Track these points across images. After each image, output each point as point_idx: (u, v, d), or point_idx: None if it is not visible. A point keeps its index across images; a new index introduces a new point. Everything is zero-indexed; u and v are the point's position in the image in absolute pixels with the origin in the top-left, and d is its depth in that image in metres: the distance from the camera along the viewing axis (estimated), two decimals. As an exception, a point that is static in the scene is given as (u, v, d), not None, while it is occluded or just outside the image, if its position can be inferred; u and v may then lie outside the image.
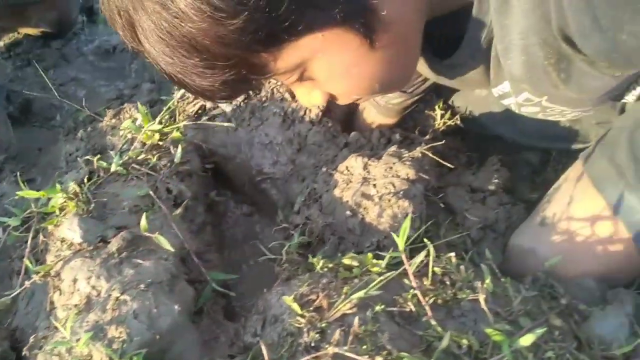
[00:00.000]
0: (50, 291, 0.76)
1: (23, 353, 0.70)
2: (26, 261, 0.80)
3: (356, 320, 0.63)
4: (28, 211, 0.86)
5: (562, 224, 0.84)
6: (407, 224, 0.64)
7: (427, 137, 1.08)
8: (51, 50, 1.56)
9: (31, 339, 0.71)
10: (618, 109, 0.96)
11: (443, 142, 0.96)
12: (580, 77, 0.65)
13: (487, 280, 0.68)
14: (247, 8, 0.54)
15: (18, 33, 1.60)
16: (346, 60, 0.66)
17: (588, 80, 0.65)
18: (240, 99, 1.16)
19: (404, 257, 0.65)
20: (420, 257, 0.66)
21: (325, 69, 0.67)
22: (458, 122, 1.15)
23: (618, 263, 0.80)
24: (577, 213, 0.83)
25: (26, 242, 0.86)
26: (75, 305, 0.72)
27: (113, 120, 1.17)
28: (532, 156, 1.19)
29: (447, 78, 0.89)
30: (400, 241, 0.64)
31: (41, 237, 0.83)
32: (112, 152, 0.98)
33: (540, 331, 0.61)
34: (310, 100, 0.78)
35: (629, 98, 0.85)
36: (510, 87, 0.78)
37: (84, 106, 1.39)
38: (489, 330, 0.63)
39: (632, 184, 0.79)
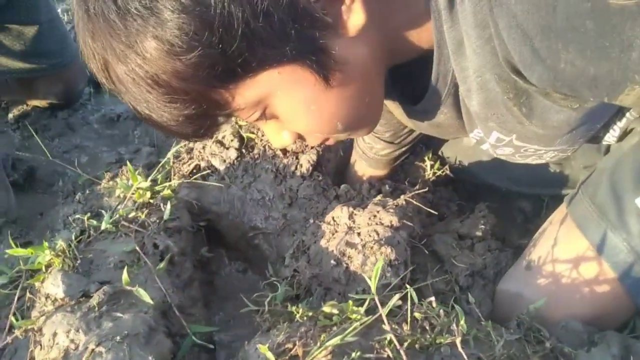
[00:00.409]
0: (32, 346, 0.76)
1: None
2: (11, 318, 0.81)
3: (328, 366, 0.61)
4: (16, 269, 0.88)
5: (547, 266, 0.83)
6: (379, 265, 0.64)
7: (417, 187, 1.09)
8: (57, 120, 1.63)
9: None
10: (603, 151, 0.97)
11: (427, 189, 0.97)
12: (542, 110, 0.65)
13: (462, 321, 0.66)
14: (200, 44, 0.58)
15: (27, 105, 1.67)
16: (304, 97, 0.68)
17: (550, 114, 0.66)
18: (233, 156, 1.18)
19: (377, 299, 0.64)
20: (394, 299, 0.66)
21: (284, 106, 0.69)
22: (448, 172, 1.16)
23: (605, 304, 0.78)
24: (562, 255, 0.83)
25: (13, 300, 0.88)
26: (53, 359, 0.72)
27: (110, 183, 1.20)
28: (525, 203, 1.19)
29: (424, 126, 0.91)
30: (373, 284, 0.64)
31: (28, 294, 0.84)
32: (103, 213, 1.00)
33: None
34: (278, 140, 0.79)
35: (610, 139, 0.86)
36: (481, 130, 0.80)
37: (83, 171, 1.45)
38: (467, 375, 0.61)
39: (614, 223, 0.78)
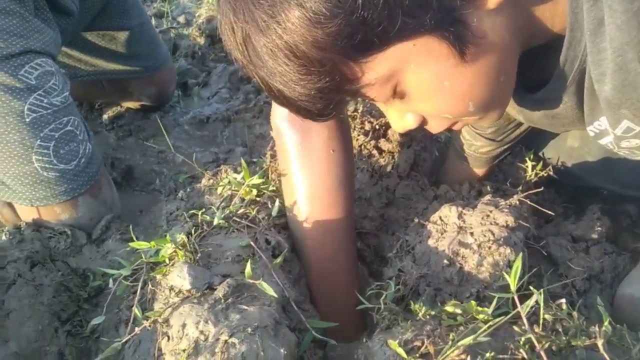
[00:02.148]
0: (158, 338, 0.79)
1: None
2: (135, 309, 0.84)
3: (468, 364, 0.61)
4: (137, 262, 0.92)
5: (677, 271, 0.79)
6: (518, 263, 0.63)
7: (520, 187, 1.07)
8: (150, 121, 1.69)
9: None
10: None
11: (542, 189, 0.95)
12: None
13: (606, 323, 0.64)
14: (342, 11, 0.58)
15: (120, 106, 1.75)
16: (437, 72, 0.67)
17: None
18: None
19: (516, 298, 0.63)
20: (532, 300, 0.64)
21: (417, 80, 0.68)
22: (550, 173, 1.13)
23: None
24: (693, 259, 0.79)
25: (134, 292, 0.91)
26: (184, 350, 0.74)
27: (211, 181, 1.23)
28: (630, 207, 1.15)
29: (538, 116, 0.88)
30: (512, 281, 0.63)
31: (149, 286, 0.87)
32: (213, 208, 1.03)
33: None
34: (402, 124, 0.78)
35: None
36: (607, 119, 0.76)
37: (179, 170, 1.50)
38: (612, 378, 0.59)
39: None
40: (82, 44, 1.51)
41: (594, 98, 0.75)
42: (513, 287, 0.63)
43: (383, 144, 1.20)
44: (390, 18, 0.60)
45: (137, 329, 0.80)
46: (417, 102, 0.73)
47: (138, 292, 0.88)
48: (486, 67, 0.69)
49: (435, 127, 0.79)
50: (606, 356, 0.62)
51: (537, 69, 0.79)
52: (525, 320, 0.64)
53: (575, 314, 0.69)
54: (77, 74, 1.56)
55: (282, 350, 0.70)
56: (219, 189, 1.16)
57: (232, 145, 1.57)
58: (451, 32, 0.63)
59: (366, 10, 0.59)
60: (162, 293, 0.86)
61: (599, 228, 0.94)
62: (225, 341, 0.71)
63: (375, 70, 0.65)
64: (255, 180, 1.02)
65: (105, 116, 1.75)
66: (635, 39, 0.59)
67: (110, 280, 0.93)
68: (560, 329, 0.70)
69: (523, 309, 0.64)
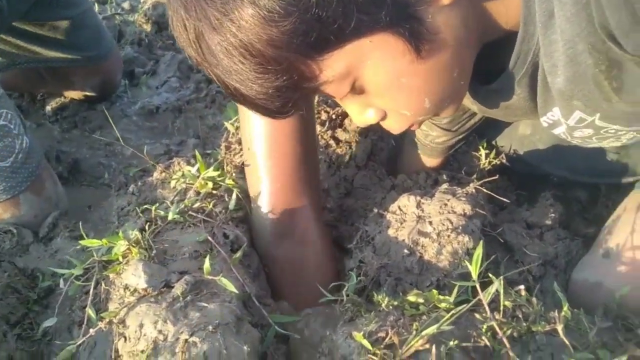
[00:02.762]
0: (115, 339, 0.76)
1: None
2: (88, 310, 0.80)
3: (433, 354, 0.61)
4: (89, 261, 0.88)
5: (627, 254, 0.82)
6: (479, 251, 0.63)
7: (475, 176, 1.08)
8: (96, 112, 1.62)
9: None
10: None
11: (497, 176, 0.96)
12: (634, 84, 0.64)
13: (565, 308, 0.66)
14: (297, 9, 0.58)
15: (64, 97, 1.67)
16: (394, 68, 0.68)
17: None
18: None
19: (477, 286, 0.63)
20: (493, 287, 0.65)
21: (374, 77, 0.68)
22: (504, 160, 1.15)
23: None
24: (642, 242, 0.82)
25: (87, 292, 0.87)
26: (142, 351, 0.72)
27: (163, 174, 1.19)
28: (581, 193, 1.18)
29: (491, 107, 0.90)
30: (474, 269, 0.63)
31: (103, 285, 0.84)
32: (166, 203, 1.00)
33: (623, 358, 0.59)
34: (363, 118, 0.79)
35: None
36: (560, 110, 0.78)
37: (129, 163, 1.45)
38: (571, 361, 0.61)
39: None
40: (19, 31, 1.43)
41: (547, 90, 0.76)
42: (475, 275, 0.63)
43: (340, 134, 1.19)
44: (345, 15, 0.60)
45: (91, 331, 0.77)
46: (375, 98, 0.74)
47: (91, 292, 0.84)
48: (441, 62, 0.70)
49: (394, 126, 0.80)
50: (566, 341, 0.64)
51: (493, 61, 0.80)
52: (487, 308, 0.65)
53: (534, 300, 0.71)
54: (14, 61, 1.47)
55: (245, 347, 0.68)
56: (173, 183, 1.13)
57: (184, 137, 1.52)
58: (406, 29, 0.63)
59: (321, 8, 0.58)
60: (116, 292, 0.82)
61: (552, 214, 0.96)
62: (186, 340, 0.69)
63: (332, 67, 0.65)
64: (211, 172, 0.99)
65: (48, 107, 1.67)
66: (585, 30, 0.60)
67: (61, 281, 0.88)
68: (520, 315, 0.71)
69: (485, 297, 0.64)
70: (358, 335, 0.68)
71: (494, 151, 1.17)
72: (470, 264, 0.81)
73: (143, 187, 1.19)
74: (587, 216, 1.13)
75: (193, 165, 1.14)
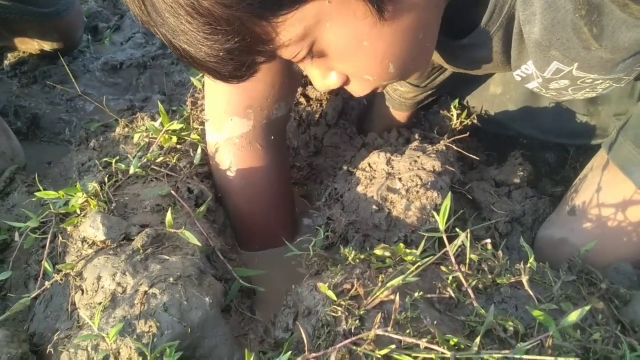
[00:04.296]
0: (72, 292, 0.73)
1: (48, 351, 0.67)
2: (45, 264, 0.77)
3: (397, 302, 0.60)
4: (45, 214, 0.84)
5: (592, 211, 0.83)
6: (447, 203, 0.62)
7: (446, 135, 1.07)
8: (57, 67, 1.55)
9: (55, 337, 0.68)
10: (636, 99, 0.96)
11: (467, 134, 0.95)
12: (614, 29, 0.62)
13: (531, 260, 0.66)
14: None
15: (23, 52, 1.59)
16: (355, 31, 0.64)
17: (622, 32, 0.62)
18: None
19: (444, 237, 0.63)
20: (459, 240, 0.64)
21: (334, 39, 0.64)
22: (475, 121, 1.14)
23: (652, 246, 0.79)
24: (607, 200, 0.82)
25: (44, 246, 0.84)
26: (100, 304, 0.69)
27: (126, 130, 1.15)
28: (549, 155, 1.18)
29: (463, 62, 0.88)
30: (442, 221, 0.62)
31: (60, 239, 0.81)
32: (129, 157, 0.96)
33: (586, 308, 0.59)
34: (325, 83, 0.75)
35: None
36: (535, 63, 0.77)
37: (91, 119, 1.39)
38: (535, 312, 0.61)
39: None
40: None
41: (522, 42, 0.75)
42: (442, 227, 0.62)
43: (311, 91, 1.16)
44: None
45: (47, 284, 0.74)
46: (336, 62, 0.70)
47: (47, 245, 0.81)
48: (406, 25, 0.66)
49: (357, 90, 0.76)
50: (530, 292, 0.64)
51: (463, 15, 0.78)
52: (453, 260, 0.64)
53: (500, 253, 0.71)
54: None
55: (207, 299, 0.67)
56: (136, 138, 1.09)
57: (149, 93, 1.47)
58: None
59: None
60: (74, 246, 0.79)
61: (521, 173, 0.96)
62: (145, 292, 0.67)
63: (289, 29, 0.61)
64: (175, 126, 0.95)
65: (6, 62, 1.58)
66: None
67: (17, 234, 0.84)
68: (486, 269, 0.71)
69: (451, 249, 0.64)
70: (323, 287, 0.67)
71: (465, 112, 1.16)
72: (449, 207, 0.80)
73: (105, 142, 1.15)
74: (555, 178, 1.14)
75: (157, 121, 1.11)
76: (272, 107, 0.92)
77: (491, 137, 1.22)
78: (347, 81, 0.75)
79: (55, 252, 0.82)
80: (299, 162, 1.12)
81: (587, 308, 0.59)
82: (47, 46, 1.54)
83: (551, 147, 1.18)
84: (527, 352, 0.55)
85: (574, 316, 0.58)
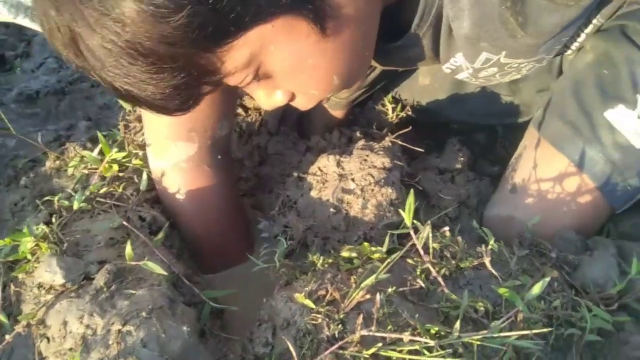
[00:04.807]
0: (36, 341, 0.70)
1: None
2: (0, 316, 0.73)
3: (377, 301, 0.62)
4: (-9, 264, 0.79)
5: (532, 187, 0.89)
6: (410, 199, 0.65)
7: (386, 129, 1.11)
8: (-34, 103, 1.45)
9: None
10: (555, 74, 1.03)
11: (410, 128, 0.99)
12: (537, 15, 0.67)
13: (492, 242, 0.70)
14: (188, 2, 0.52)
15: None
16: (299, 51, 0.65)
17: (544, 17, 0.68)
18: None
19: (412, 231, 0.65)
20: (425, 231, 0.67)
21: (279, 61, 0.65)
22: (409, 112, 1.18)
23: (588, 213, 0.86)
24: (544, 174, 0.89)
25: (-7, 297, 0.79)
26: (70, 349, 0.67)
27: (57, 162, 1.10)
28: (480, 136, 1.25)
29: (393, 61, 0.92)
30: (407, 217, 0.65)
31: (12, 287, 0.76)
32: (68, 192, 0.92)
33: (546, 279, 0.63)
34: (270, 102, 0.76)
35: (572, 47, 0.91)
36: (464, 55, 0.81)
37: (15, 154, 1.31)
38: (501, 290, 0.65)
39: (588, 137, 0.85)
40: None
41: (450, 37, 0.79)
42: (409, 222, 0.65)
43: (248, 101, 1.16)
44: (243, 3, 0.56)
45: (7, 337, 0.70)
46: (282, 82, 0.71)
47: (-1, 296, 0.76)
48: (347, 38, 0.68)
49: (303, 104, 0.78)
50: (494, 272, 0.68)
51: (394, 19, 0.81)
52: (421, 251, 0.67)
53: (459, 239, 0.74)
54: None
55: (184, 328, 0.66)
56: (70, 170, 1.04)
57: (72, 120, 1.40)
58: (309, 10, 0.61)
59: None
60: (28, 293, 0.75)
61: (462, 158, 1.01)
62: (119, 330, 0.65)
63: (234, 57, 0.61)
64: (116, 154, 0.92)
65: None
66: None
67: (-41, 291, 0.79)
68: (447, 255, 0.74)
69: (419, 240, 0.66)
70: (300, 297, 0.68)
71: (399, 105, 1.20)
72: (398, 214, 0.83)
73: (36, 178, 1.10)
74: (488, 157, 1.20)
75: (89, 149, 1.07)
76: (214, 126, 0.91)
77: (424, 126, 1.27)
78: (292, 97, 0.76)
79: (7, 302, 0.78)
80: (244, 173, 1.11)
81: (547, 279, 0.63)
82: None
83: (480, 128, 1.25)
84: (502, 330, 0.59)
85: (536, 288, 0.63)
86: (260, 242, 1.05)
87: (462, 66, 0.85)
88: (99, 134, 0.94)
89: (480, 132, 1.24)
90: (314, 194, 0.93)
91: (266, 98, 0.75)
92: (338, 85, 0.75)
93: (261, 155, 1.12)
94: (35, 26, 0.99)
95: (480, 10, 0.69)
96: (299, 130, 1.21)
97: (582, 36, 0.88)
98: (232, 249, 0.99)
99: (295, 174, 0.99)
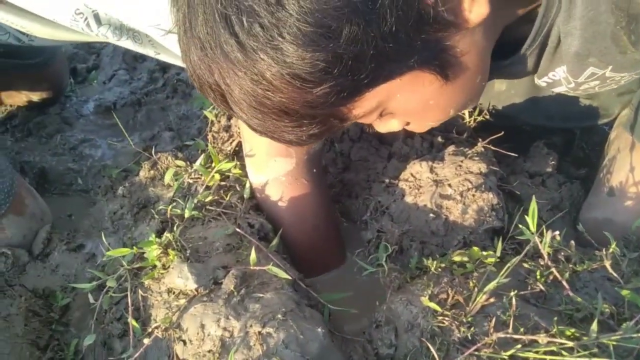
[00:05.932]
0: (172, 344, 0.74)
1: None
2: (132, 321, 0.78)
3: (513, 306, 0.65)
4: (120, 271, 0.84)
5: (631, 190, 0.90)
6: (534, 205, 0.67)
7: (466, 134, 1.13)
8: (50, 117, 1.51)
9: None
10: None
11: (502, 133, 1.01)
12: None
13: (613, 245, 0.72)
14: (331, 76, 0.59)
15: (10, 106, 1.54)
16: (423, 96, 0.70)
17: None
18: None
19: (536, 238, 0.68)
20: (547, 236, 0.70)
21: (402, 104, 0.71)
22: (487, 117, 1.20)
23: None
24: (642, 177, 0.90)
25: (116, 303, 0.84)
26: (209, 351, 0.71)
27: (151, 172, 1.15)
28: (556, 139, 1.26)
29: (496, 76, 0.94)
30: (532, 222, 0.67)
31: (140, 293, 0.81)
32: (178, 201, 0.97)
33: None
34: (387, 128, 0.81)
35: None
36: (570, 71, 0.83)
37: (102, 164, 1.37)
38: (624, 292, 0.67)
39: None
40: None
41: (555, 54, 0.81)
42: (533, 228, 0.67)
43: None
44: (377, 68, 0.61)
45: (146, 341, 0.74)
46: (402, 117, 0.77)
47: (129, 301, 0.81)
48: (467, 77, 0.72)
49: (417, 129, 0.84)
50: (615, 274, 0.70)
51: (503, 37, 0.84)
52: (545, 256, 0.69)
53: (572, 242, 0.76)
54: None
55: (319, 329, 0.69)
56: (167, 179, 1.09)
57: (152, 130, 1.46)
58: (436, 65, 0.66)
59: (354, 71, 0.59)
60: (157, 298, 0.80)
61: (552, 162, 1.03)
62: (259, 332, 0.69)
63: (362, 106, 0.67)
64: (225, 164, 0.97)
65: (-6, 119, 1.53)
66: None
67: (89, 295, 0.84)
68: (562, 259, 0.76)
69: (543, 246, 0.69)
70: (425, 299, 0.71)
71: (476, 109, 1.21)
72: (499, 218, 0.86)
73: (132, 187, 1.15)
74: (567, 159, 1.21)
75: (180, 159, 1.12)
76: None
77: (499, 130, 1.29)
78: (407, 123, 0.81)
79: (133, 306, 0.82)
80: (329, 179, 1.15)
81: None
82: (36, 97, 1.51)
83: (554, 131, 1.26)
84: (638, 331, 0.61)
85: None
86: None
87: (561, 80, 0.87)
88: (210, 147, 0.98)
89: (555, 135, 1.25)
90: (408, 199, 0.96)
91: (383, 125, 0.80)
92: (453, 115, 0.80)
93: (344, 161, 1.15)
94: (159, 55, 1.04)
95: (594, 28, 0.71)
96: (380, 136, 1.24)
97: None
98: (328, 254, 1.03)
99: (386, 180, 1.03)
